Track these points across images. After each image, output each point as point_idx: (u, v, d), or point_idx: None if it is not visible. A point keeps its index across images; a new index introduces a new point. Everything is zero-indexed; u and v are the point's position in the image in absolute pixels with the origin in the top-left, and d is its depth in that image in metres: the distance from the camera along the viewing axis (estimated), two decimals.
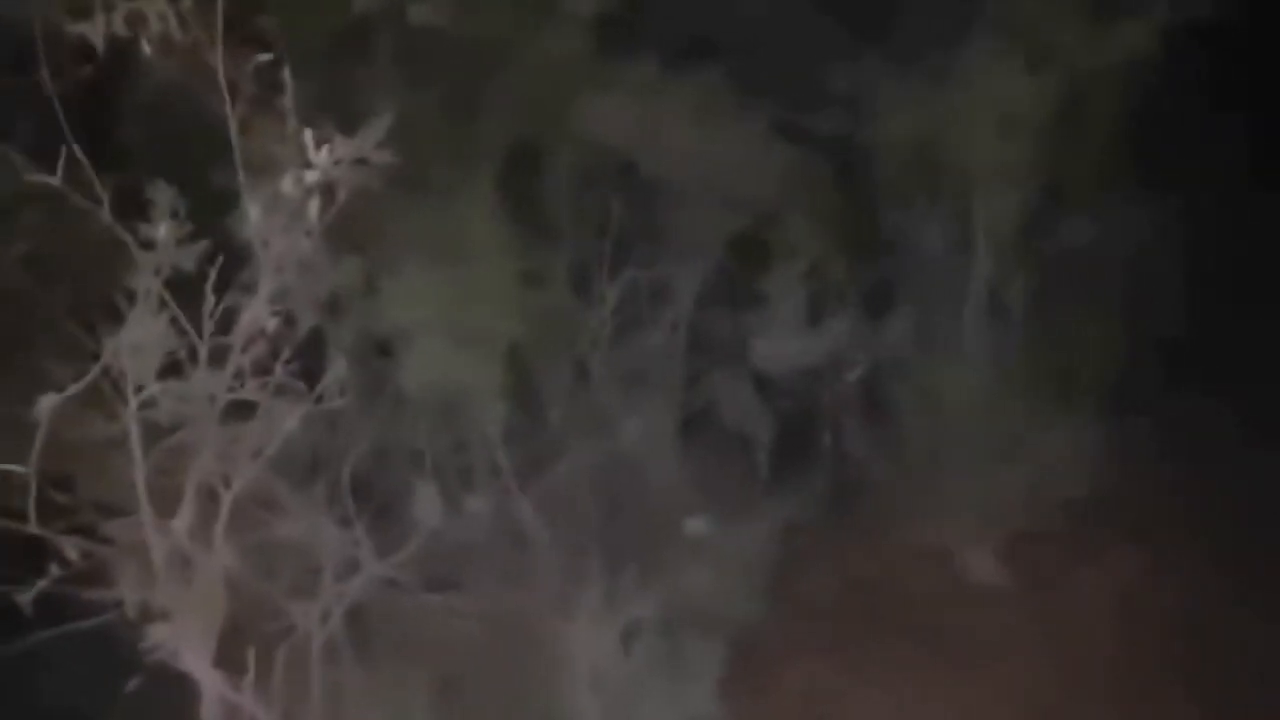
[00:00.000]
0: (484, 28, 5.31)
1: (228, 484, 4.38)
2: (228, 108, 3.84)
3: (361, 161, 3.81)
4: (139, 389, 3.97)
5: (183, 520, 4.19)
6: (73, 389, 3.93)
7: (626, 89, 5.72)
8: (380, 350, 5.01)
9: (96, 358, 3.98)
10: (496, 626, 5.03)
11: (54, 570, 3.89)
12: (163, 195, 3.73)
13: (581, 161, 5.72)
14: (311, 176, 3.86)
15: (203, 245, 3.81)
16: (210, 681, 4.38)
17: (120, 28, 4.07)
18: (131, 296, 3.86)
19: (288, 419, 4.27)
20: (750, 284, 6.08)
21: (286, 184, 3.87)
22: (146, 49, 3.92)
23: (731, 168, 5.91)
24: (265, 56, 3.85)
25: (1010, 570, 6.38)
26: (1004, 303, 6.38)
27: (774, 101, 5.85)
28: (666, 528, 6.03)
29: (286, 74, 3.77)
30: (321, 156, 3.83)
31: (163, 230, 3.70)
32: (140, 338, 3.87)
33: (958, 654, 5.92)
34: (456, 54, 5.32)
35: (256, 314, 3.92)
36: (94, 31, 4.14)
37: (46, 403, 3.95)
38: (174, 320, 3.83)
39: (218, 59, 3.75)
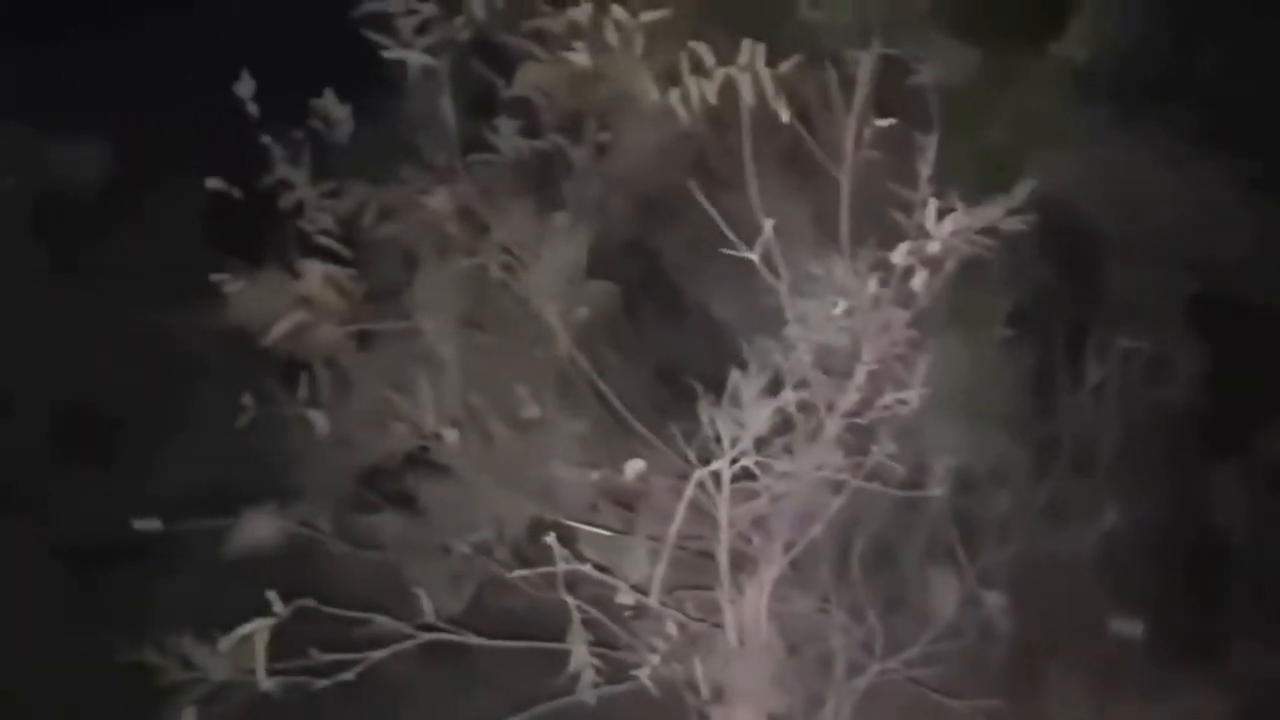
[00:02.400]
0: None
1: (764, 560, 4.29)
2: (843, 173, 3.80)
3: (987, 231, 3.71)
4: (734, 460, 3.89)
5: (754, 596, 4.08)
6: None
7: (1081, 136, 5.34)
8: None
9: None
10: None
11: (659, 645, 3.81)
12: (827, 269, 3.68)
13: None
14: (928, 247, 3.77)
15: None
16: None
17: (708, 96, 4.05)
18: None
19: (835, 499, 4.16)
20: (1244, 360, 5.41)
21: (898, 254, 3.78)
22: (783, 115, 3.89)
23: (1194, 222, 5.42)
24: (886, 121, 3.81)
25: None
26: None
27: (1244, 152, 5.34)
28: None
29: (930, 139, 3.71)
30: (943, 226, 3.73)
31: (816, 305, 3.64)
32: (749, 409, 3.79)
33: None
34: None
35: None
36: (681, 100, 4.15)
37: (633, 467, 3.92)
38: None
39: (847, 124, 3.71)
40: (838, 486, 4.18)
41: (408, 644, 4.50)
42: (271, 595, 4.28)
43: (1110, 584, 5.41)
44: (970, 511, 4.92)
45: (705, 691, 4.16)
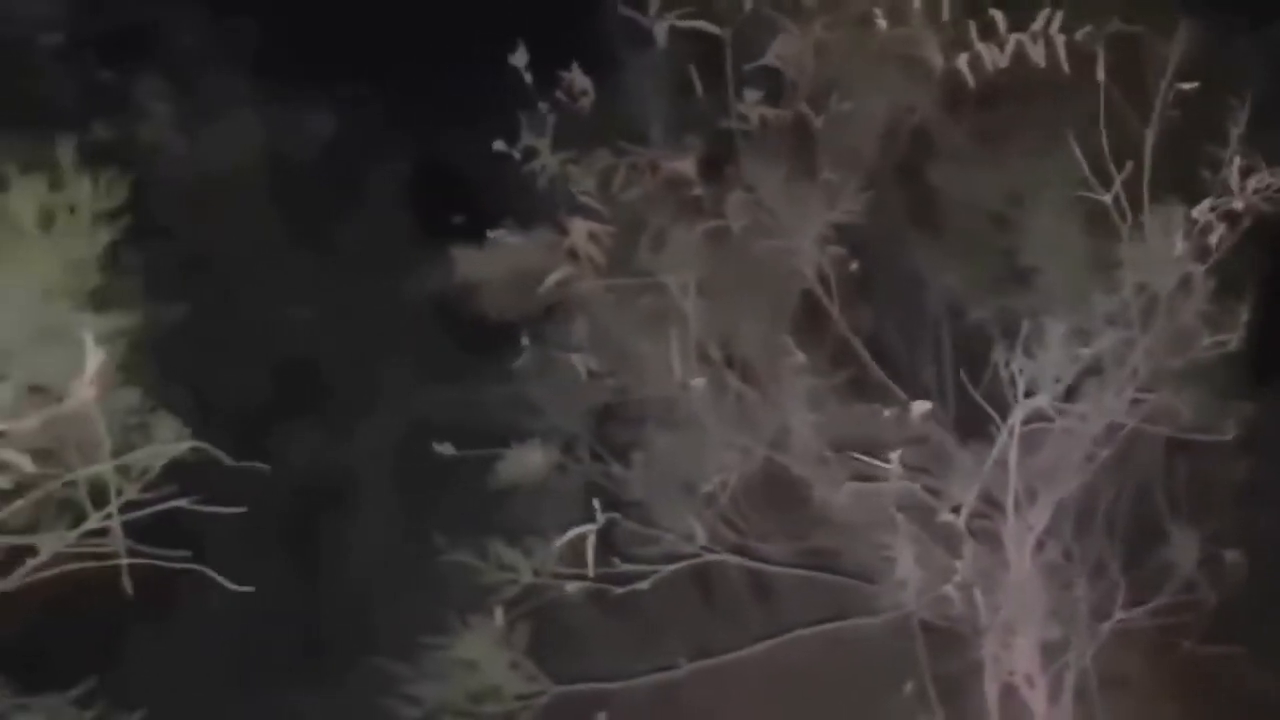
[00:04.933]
0: None
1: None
2: (1149, 130, 4.03)
3: None
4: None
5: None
6: None
7: None
8: None
9: None
10: None
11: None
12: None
13: None
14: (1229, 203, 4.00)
15: None
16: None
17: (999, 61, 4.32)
18: None
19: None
20: None
21: (1200, 209, 4.02)
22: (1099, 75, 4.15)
23: None
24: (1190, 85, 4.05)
25: None
26: None
27: None
28: None
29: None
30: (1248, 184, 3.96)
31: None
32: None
33: None
34: None
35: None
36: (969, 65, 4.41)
37: (919, 408, 4.18)
38: None
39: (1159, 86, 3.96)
40: (1112, 434, 4.42)
41: (693, 562, 4.85)
42: (595, 503, 4.66)
43: None
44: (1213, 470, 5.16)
45: (985, 619, 4.42)
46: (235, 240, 7.20)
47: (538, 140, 6.19)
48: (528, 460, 5.49)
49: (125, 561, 3.70)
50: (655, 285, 5.89)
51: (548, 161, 6.24)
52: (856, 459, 4.67)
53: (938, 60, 4.61)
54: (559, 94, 6.22)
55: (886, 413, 4.64)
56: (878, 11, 4.75)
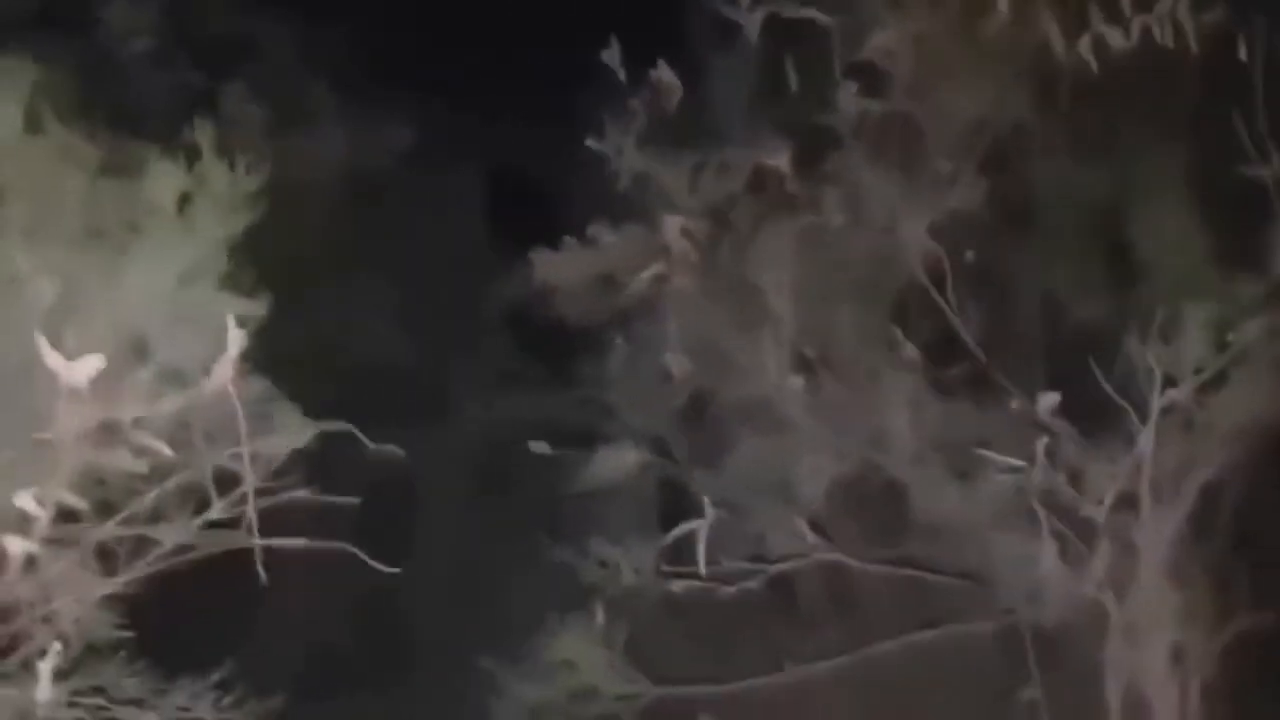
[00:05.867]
0: None
1: None
2: None
3: None
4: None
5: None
6: None
7: None
8: None
9: None
10: None
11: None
12: None
13: None
14: None
15: None
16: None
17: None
18: None
19: None
20: None
21: None
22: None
23: None
24: None
25: None
26: None
27: None
28: None
29: None
30: None
31: None
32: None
33: None
34: None
35: None
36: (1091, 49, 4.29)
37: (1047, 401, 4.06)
38: None
39: None
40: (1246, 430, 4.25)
41: (799, 563, 4.72)
42: (704, 500, 4.53)
43: None
44: None
45: (1117, 618, 4.26)
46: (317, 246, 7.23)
47: (623, 138, 6.24)
48: (619, 460, 5.39)
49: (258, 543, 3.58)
50: (748, 283, 5.86)
51: (635, 159, 6.27)
52: (978, 454, 4.51)
53: (1059, 44, 4.47)
54: (646, 91, 6.24)
55: (1014, 404, 4.49)
56: None
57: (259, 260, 5.73)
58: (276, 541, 3.63)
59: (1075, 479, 4.37)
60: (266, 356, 4.13)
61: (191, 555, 3.75)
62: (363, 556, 3.72)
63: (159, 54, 6.99)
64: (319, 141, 7.55)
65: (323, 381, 6.99)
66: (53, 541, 3.62)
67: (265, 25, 7.56)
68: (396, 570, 3.74)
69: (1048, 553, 4.24)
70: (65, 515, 3.56)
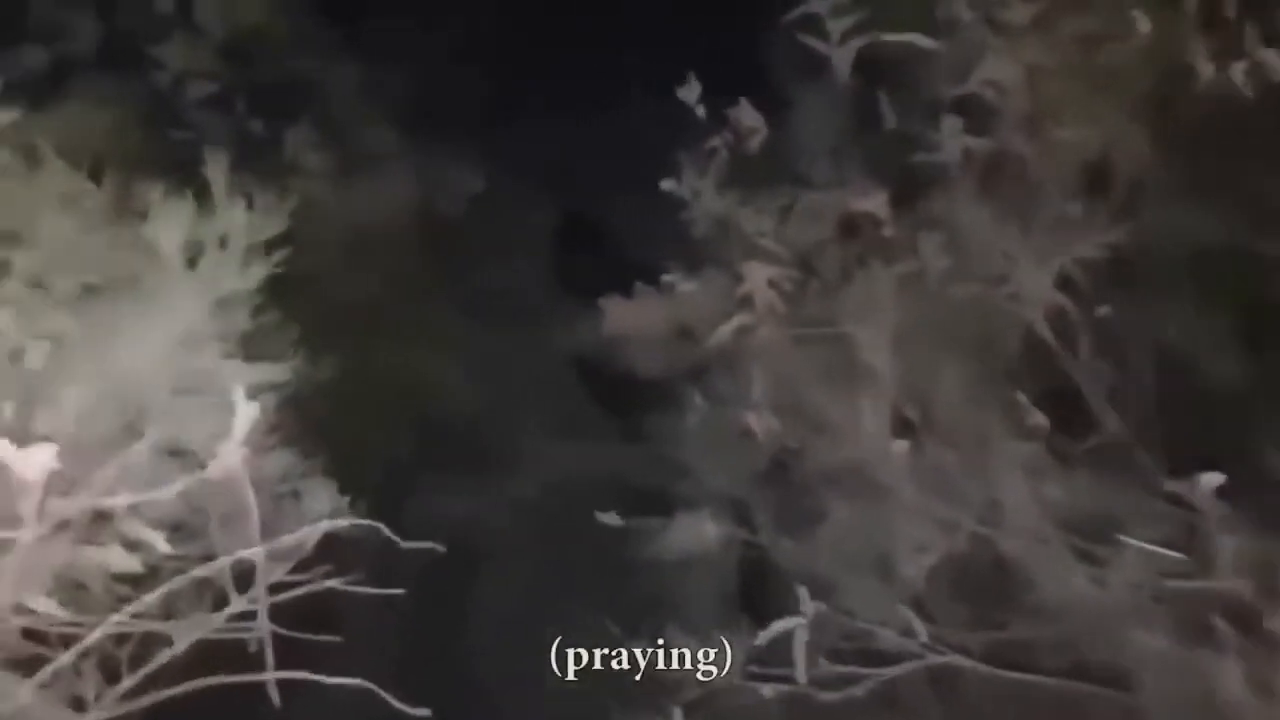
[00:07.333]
0: None
1: None
2: None
3: None
4: None
5: None
6: None
7: None
8: None
9: None
10: None
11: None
12: None
13: None
14: None
15: None
16: None
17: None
18: None
19: None
20: None
21: None
22: None
23: None
24: None
25: None
26: None
27: None
28: None
29: None
30: None
31: None
32: None
33: None
34: None
35: None
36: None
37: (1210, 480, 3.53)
38: None
39: None
40: None
41: (917, 664, 4.13)
42: (801, 591, 3.99)
43: None
44: None
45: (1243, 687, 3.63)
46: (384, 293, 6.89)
47: (700, 180, 5.84)
48: (697, 532, 4.88)
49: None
50: (840, 335, 5.38)
51: (714, 203, 5.86)
52: (1115, 537, 3.92)
53: (1206, 69, 3.96)
54: (727, 130, 5.84)
55: (1168, 484, 3.89)
56: (1136, 14, 4.11)
57: (315, 309, 5.43)
58: (284, 674, 3.05)
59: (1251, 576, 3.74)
60: (299, 422, 3.69)
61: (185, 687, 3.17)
62: (386, 696, 3.10)
63: (220, 98, 6.83)
64: (387, 186, 7.34)
65: (383, 430, 6.73)
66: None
67: (330, 67, 7.41)
68: (427, 713, 3.14)
69: (1231, 674, 3.57)
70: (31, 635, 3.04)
